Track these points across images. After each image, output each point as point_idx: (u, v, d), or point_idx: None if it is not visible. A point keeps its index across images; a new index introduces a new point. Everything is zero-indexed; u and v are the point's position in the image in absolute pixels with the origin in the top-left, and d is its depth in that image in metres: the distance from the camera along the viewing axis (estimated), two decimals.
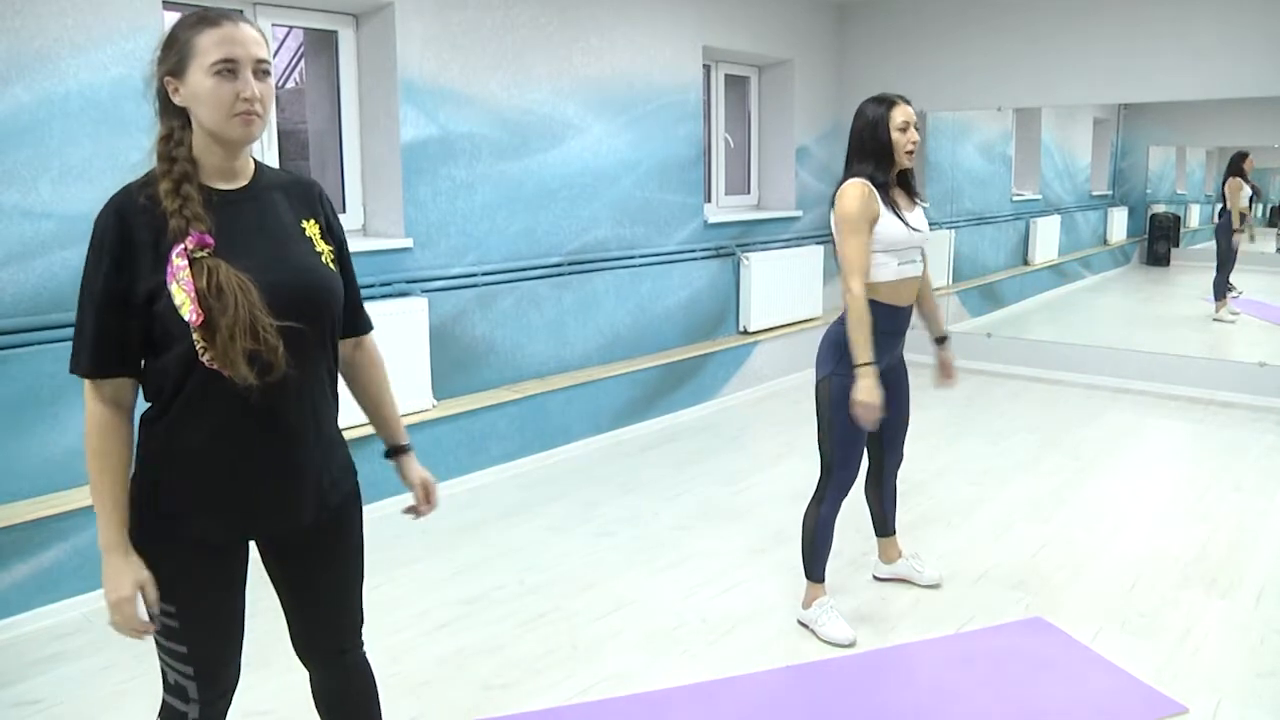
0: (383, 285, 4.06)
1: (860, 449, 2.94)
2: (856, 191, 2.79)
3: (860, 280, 2.77)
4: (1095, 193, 7.80)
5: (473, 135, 4.35)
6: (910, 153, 2.85)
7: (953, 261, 7.11)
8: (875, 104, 2.87)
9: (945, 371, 3.19)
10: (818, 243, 6.53)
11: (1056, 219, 7.66)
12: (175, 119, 1.50)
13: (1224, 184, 6.83)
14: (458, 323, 4.36)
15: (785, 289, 6.17)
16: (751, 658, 2.84)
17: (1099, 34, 5.81)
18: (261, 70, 1.50)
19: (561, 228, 4.80)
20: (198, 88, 1.46)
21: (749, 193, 6.50)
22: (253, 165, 1.59)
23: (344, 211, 4.23)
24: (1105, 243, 7.86)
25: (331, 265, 1.62)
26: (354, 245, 3.99)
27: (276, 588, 1.73)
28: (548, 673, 2.76)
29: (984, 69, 6.26)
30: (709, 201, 6.05)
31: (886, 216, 2.81)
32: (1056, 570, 3.42)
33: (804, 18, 6.34)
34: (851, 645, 2.89)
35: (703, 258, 5.69)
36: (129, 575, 1.51)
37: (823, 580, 3.00)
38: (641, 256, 5.27)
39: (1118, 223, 7.81)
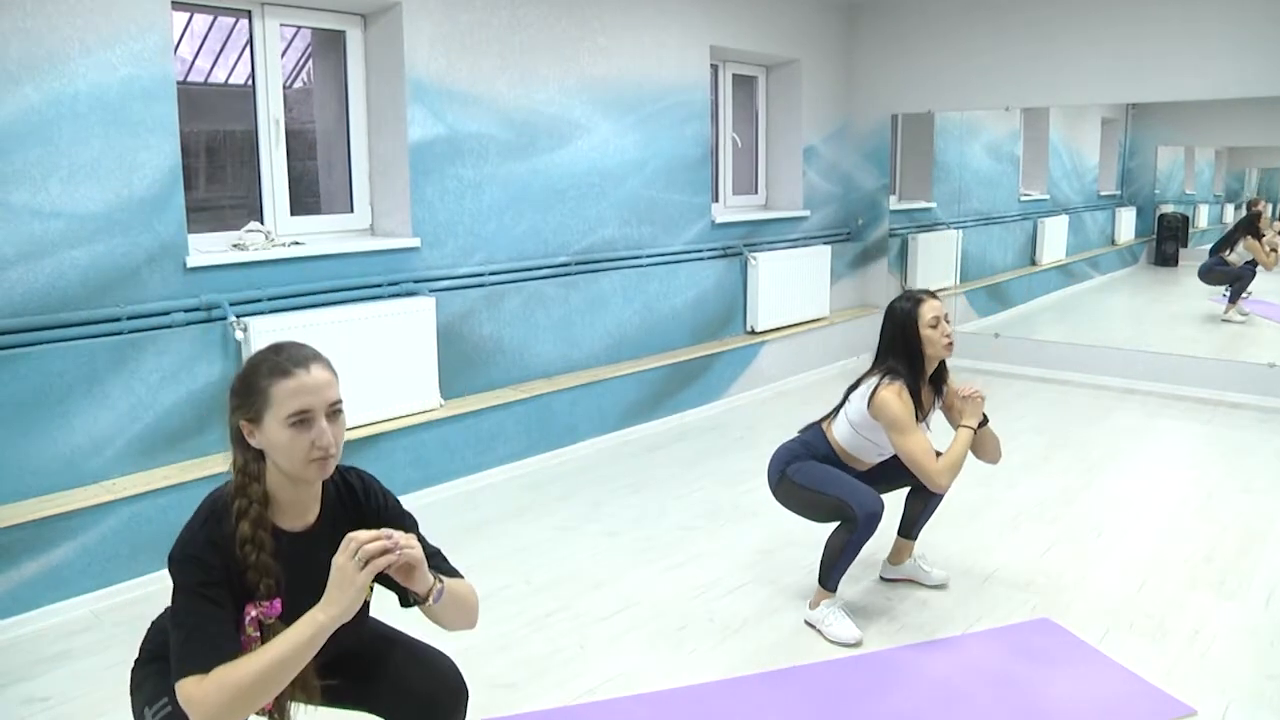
0: (390, 285, 4.06)
1: (853, 479, 2.95)
2: (895, 394, 2.85)
3: (934, 464, 2.86)
4: (1103, 193, 7.77)
5: (480, 135, 4.35)
6: (948, 346, 2.91)
7: (960, 262, 7.10)
8: (903, 301, 2.94)
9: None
10: (825, 243, 6.53)
11: (1064, 219, 7.64)
12: (248, 452, 1.58)
13: (1232, 241, 6.79)
14: (465, 322, 4.36)
15: (793, 289, 6.16)
16: (758, 658, 2.84)
17: (1107, 34, 5.80)
18: (334, 412, 1.55)
19: (569, 227, 4.80)
20: (274, 437, 1.53)
21: (756, 192, 6.50)
22: (320, 493, 1.66)
23: (351, 211, 4.24)
24: (1113, 243, 7.83)
25: (369, 596, 1.65)
26: (361, 245, 4.05)
27: (346, 704, 1.80)
28: (555, 672, 2.76)
29: (992, 69, 6.25)
30: (716, 201, 6.04)
31: None
32: (1064, 571, 3.41)
33: (812, 17, 6.33)
34: (858, 645, 2.89)
35: (710, 257, 5.69)
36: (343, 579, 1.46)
37: (835, 590, 3.00)
38: (649, 256, 5.27)
39: (1126, 223, 7.78)
